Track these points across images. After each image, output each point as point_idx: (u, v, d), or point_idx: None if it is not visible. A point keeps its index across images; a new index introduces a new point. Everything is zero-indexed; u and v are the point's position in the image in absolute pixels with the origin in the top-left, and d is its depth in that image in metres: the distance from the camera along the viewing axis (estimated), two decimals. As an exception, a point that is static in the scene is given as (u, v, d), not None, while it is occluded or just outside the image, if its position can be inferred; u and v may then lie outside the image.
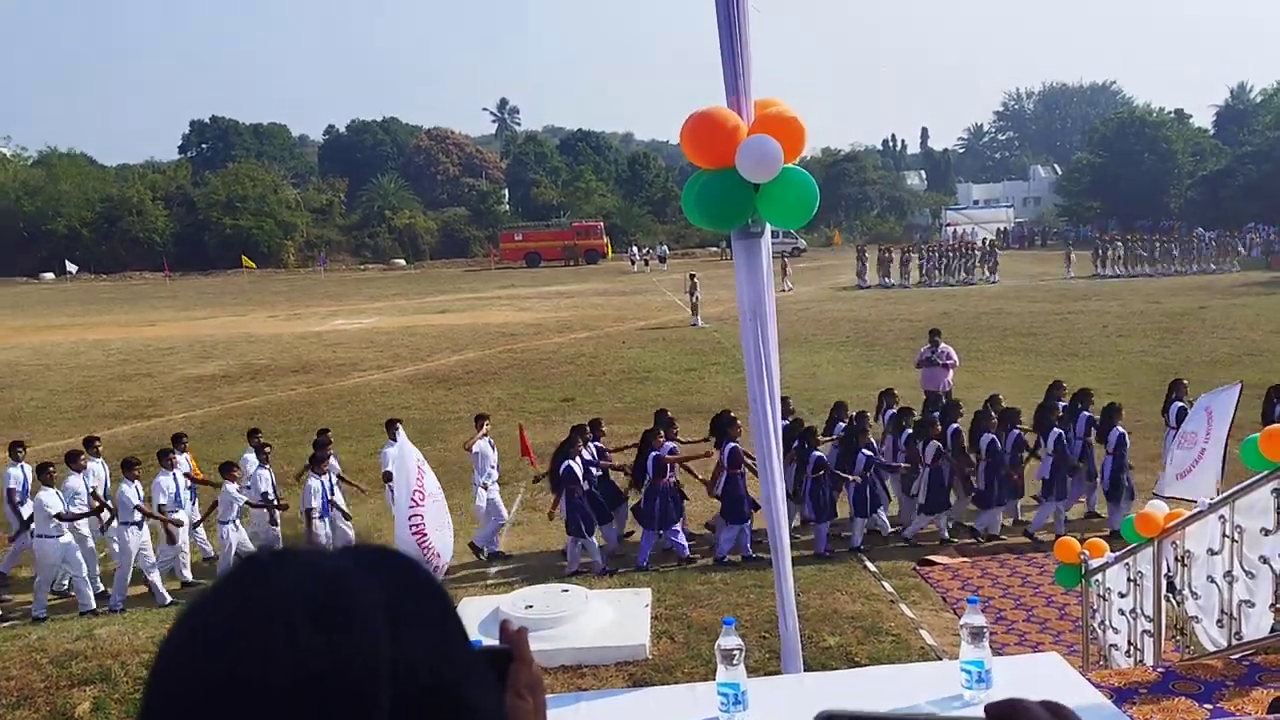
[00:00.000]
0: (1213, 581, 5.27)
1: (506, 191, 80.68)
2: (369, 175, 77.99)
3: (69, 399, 21.13)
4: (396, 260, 68.87)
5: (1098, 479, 11.06)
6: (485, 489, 10.97)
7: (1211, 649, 5.28)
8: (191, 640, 0.67)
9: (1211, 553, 5.29)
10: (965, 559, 10.29)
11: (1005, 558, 10.31)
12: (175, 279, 60.92)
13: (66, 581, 10.29)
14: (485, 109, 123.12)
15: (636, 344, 25.73)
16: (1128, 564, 6.36)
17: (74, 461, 10.42)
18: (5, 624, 9.79)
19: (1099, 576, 6.80)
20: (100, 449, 11.93)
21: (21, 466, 11.21)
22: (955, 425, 11.28)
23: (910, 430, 11.35)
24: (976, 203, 77.77)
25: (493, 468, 11.15)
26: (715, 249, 61.56)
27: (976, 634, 2.85)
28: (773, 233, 4.57)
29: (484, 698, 0.72)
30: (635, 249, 58.53)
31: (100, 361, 26.48)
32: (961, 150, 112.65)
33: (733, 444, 10.46)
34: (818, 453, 10.70)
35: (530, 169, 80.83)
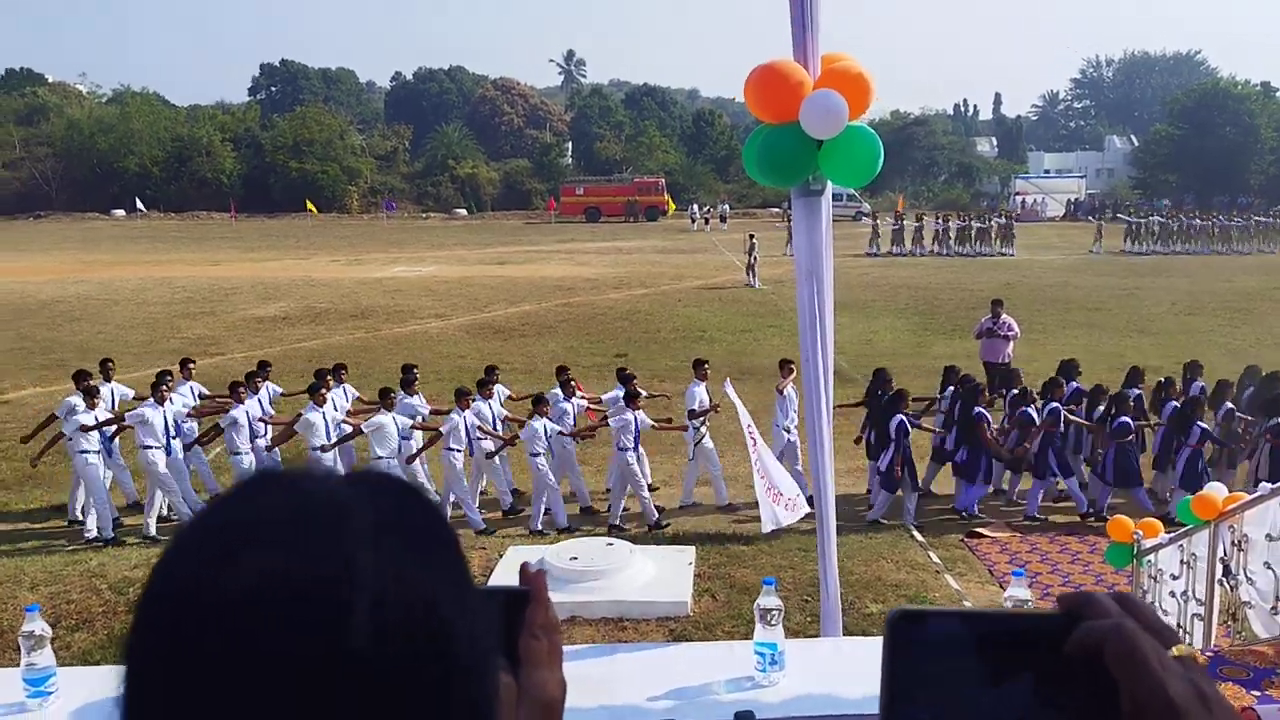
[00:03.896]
0: (1270, 568, 5.15)
1: (570, 145, 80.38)
2: (434, 124, 78.25)
3: (135, 334, 21.63)
4: (458, 210, 69.15)
5: None
6: (788, 432, 11.06)
7: (1265, 636, 5.17)
8: (171, 553, 0.69)
9: (1270, 538, 5.16)
10: (1015, 533, 10.17)
11: (1056, 534, 10.17)
12: (241, 220, 61.84)
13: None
14: (551, 60, 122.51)
15: (693, 303, 25.64)
16: (1182, 545, 6.23)
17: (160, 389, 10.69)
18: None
19: (1151, 557, 6.68)
20: (192, 371, 12.18)
21: (112, 387, 11.52)
22: (1228, 405, 11.08)
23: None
24: (1048, 172, 75.87)
25: (794, 412, 11.15)
26: (777, 210, 60.92)
27: (1019, 606, 2.81)
28: (836, 195, 4.49)
29: (473, 629, 0.71)
30: (696, 207, 58.08)
31: (166, 299, 27.05)
32: (1035, 118, 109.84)
33: (979, 409, 10.71)
34: (1124, 419, 10.57)
35: (594, 123, 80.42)
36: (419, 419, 11.05)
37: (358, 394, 12.17)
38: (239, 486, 0.72)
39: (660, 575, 8.56)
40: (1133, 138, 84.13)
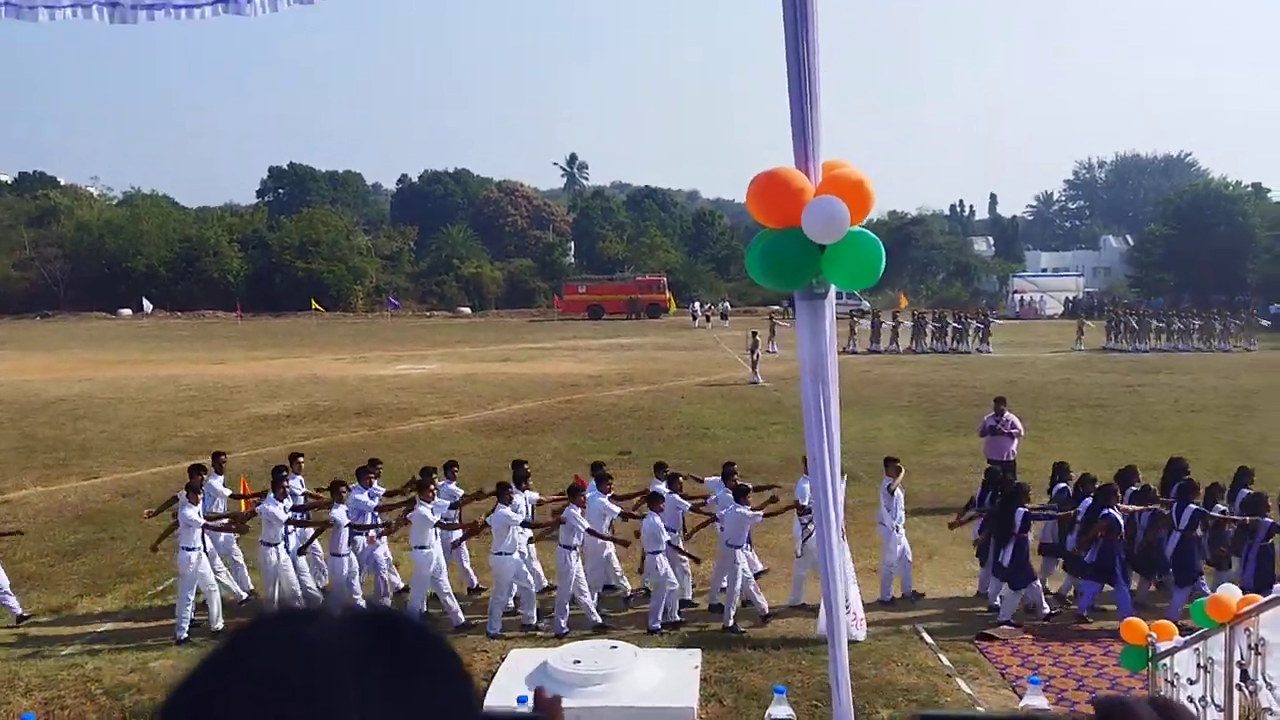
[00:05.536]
0: (1289, 673, 5.05)
1: (572, 244, 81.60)
2: (439, 224, 79.45)
3: (138, 432, 21.61)
4: (462, 308, 69.82)
5: None
6: (897, 531, 10.96)
7: (1287, 744, 5.04)
8: (178, 706, 0.69)
9: (1288, 642, 5.07)
10: (1028, 635, 9.99)
11: (1069, 637, 9.99)
12: (246, 319, 62.34)
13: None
14: (555, 163, 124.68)
15: (696, 400, 25.67)
16: (1198, 649, 6.12)
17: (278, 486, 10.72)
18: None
19: (1167, 661, 6.55)
20: (301, 465, 12.39)
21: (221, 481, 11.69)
22: None
23: None
24: (1045, 271, 76.78)
25: (903, 511, 11.06)
26: (778, 308, 61.47)
27: (1039, 715, 2.76)
28: (837, 294, 4.56)
29: None
30: (697, 305, 58.72)
31: (171, 397, 27.11)
32: (1030, 218, 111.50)
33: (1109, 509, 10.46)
34: (1270, 521, 10.21)
35: (596, 223, 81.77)
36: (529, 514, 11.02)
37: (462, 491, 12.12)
38: (234, 636, 0.72)
39: (666, 679, 8.38)
40: (1128, 237, 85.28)
